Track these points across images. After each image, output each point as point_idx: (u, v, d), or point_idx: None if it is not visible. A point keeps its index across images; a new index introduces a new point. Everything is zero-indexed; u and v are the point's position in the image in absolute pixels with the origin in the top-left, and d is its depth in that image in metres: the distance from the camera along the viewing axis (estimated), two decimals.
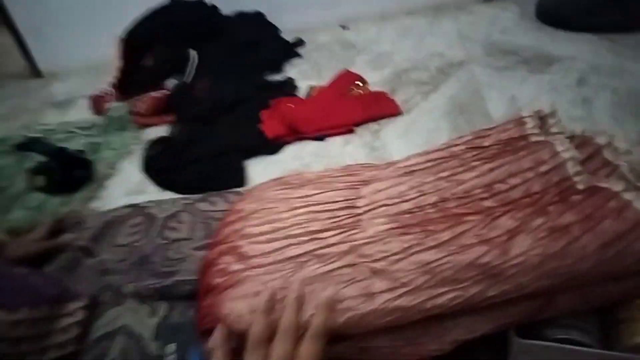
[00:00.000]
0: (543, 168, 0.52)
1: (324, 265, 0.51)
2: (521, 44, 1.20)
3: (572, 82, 0.99)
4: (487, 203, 0.53)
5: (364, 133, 0.96)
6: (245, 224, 0.60)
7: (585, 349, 0.42)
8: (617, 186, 0.47)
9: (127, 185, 0.95)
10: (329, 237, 0.55)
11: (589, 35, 1.16)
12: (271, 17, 1.47)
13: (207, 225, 0.77)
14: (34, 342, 0.57)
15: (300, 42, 1.45)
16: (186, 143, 0.98)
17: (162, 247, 0.74)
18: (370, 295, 0.47)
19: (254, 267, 0.53)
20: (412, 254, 0.49)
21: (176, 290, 0.65)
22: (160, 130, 1.11)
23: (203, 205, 0.82)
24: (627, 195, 0.46)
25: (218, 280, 0.54)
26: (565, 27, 1.21)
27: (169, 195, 0.88)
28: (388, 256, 0.50)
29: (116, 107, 1.18)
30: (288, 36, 1.46)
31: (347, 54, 1.35)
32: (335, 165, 0.87)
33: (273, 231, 0.57)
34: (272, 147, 0.95)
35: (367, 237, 0.52)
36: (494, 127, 0.61)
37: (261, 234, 0.57)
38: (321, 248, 0.53)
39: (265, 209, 0.62)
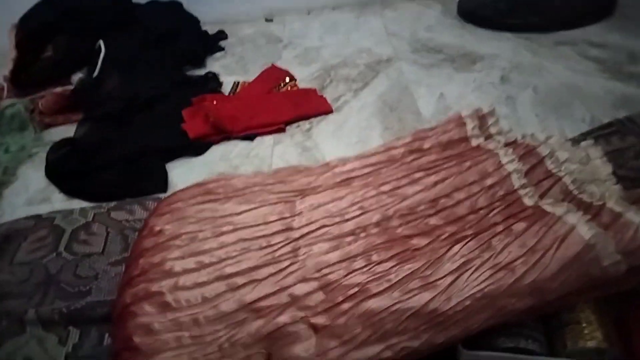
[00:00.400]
0: (488, 181, 0.53)
1: (266, 325, 0.45)
2: (446, 41, 1.22)
3: (496, 80, 1.02)
4: (433, 221, 0.52)
5: (295, 132, 0.92)
6: (166, 255, 0.52)
7: (532, 357, 0.42)
8: (559, 209, 0.48)
9: (28, 193, 0.85)
10: (266, 277, 0.49)
11: (509, 34, 1.20)
12: (189, 8, 1.39)
13: (124, 237, 0.70)
14: None
15: (222, 35, 1.39)
16: (97, 145, 0.89)
17: (71, 264, 0.67)
18: (321, 355, 0.43)
19: (181, 329, 0.46)
20: (357, 303, 0.45)
21: (89, 313, 0.59)
22: (66, 131, 1.00)
23: (119, 215, 0.75)
24: (570, 218, 0.46)
25: (139, 339, 0.45)
26: (485, 25, 1.25)
27: (78, 204, 0.79)
28: (331, 307, 0.46)
29: (12, 104, 1.05)
30: (209, 29, 1.39)
31: (273, 48, 1.30)
32: (266, 167, 0.83)
33: (200, 268, 0.51)
34: (196, 147, 0.89)
35: (308, 278, 0.48)
36: (433, 128, 0.60)
37: (185, 272, 0.50)
38: (259, 300, 0.47)
39: (187, 233, 0.55)
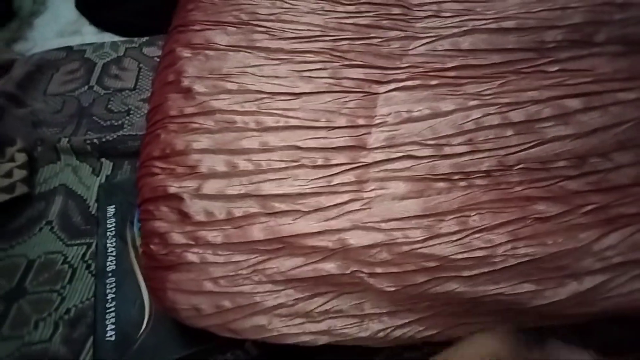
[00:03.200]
0: None
1: (304, 267, 0.35)
2: None
3: None
4: (573, 185, 0.38)
5: None
6: (192, 142, 0.40)
7: None
8: None
9: (59, 24, 0.84)
10: (313, 210, 0.37)
11: None
12: None
13: None
14: None
15: None
16: None
17: (103, 98, 0.67)
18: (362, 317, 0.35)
19: (202, 246, 0.37)
20: (435, 279, 0.35)
21: (120, 147, 0.60)
22: None
23: (151, 51, 0.73)
24: None
25: (155, 248, 0.37)
26: None
27: (109, 37, 0.78)
28: (397, 273, 0.35)
29: None
30: None
31: None
32: None
33: (232, 175, 0.39)
34: None
35: (369, 226, 0.36)
36: None
37: (212, 175, 0.39)
38: (300, 236, 0.36)
39: (224, 111, 0.41)
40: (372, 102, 0.41)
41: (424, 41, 0.43)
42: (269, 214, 0.37)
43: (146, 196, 0.40)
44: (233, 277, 0.36)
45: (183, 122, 0.41)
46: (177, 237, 0.37)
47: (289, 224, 0.37)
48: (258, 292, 0.35)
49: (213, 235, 0.37)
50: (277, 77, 0.43)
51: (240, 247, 0.37)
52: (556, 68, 0.41)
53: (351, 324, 0.35)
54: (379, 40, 0.44)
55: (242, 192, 0.38)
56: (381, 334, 0.35)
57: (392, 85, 0.42)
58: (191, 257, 0.36)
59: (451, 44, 0.43)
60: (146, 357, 0.38)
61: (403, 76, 0.42)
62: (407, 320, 0.35)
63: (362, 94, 0.42)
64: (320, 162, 0.39)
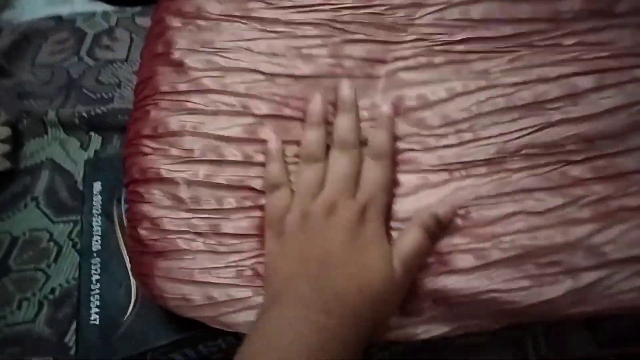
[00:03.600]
0: None
1: None
2: None
3: None
4: (575, 171, 0.35)
5: None
6: (185, 123, 0.37)
7: None
8: None
9: None
10: None
11: None
12: None
13: None
14: None
15: None
16: None
17: (93, 70, 0.64)
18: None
19: (196, 234, 0.35)
20: (429, 275, 0.34)
21: (110, 120, 0.58)
22: None
23: (144, 21, 0.70)
24: None
25: (145, 233, 0.35)
26: None
27: (100, 6, 0.74)
28: None
29: None
30: None
31: None
32: None
33: (228, 165, 0.36)
34: None
35: None
36: None
37: (210, 162, 0.36)
38: None
39: (213, 70, 0.39)
40: (374, 88, 0.39)
41: (432, 9, 0.40)
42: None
43: (135, 177, 0.37)
44: (226, 268, 0.34)
45: (176, 99, 0.39)
46: (170, 223, 0.35)
47: None
48: (253, 286, 0.34)
49: (207, 224, 0.35)
50: (274, 54, 0.39)
51: (235, 238, 0.35)
52: (573, 41, 0.38)
53: None
54: (383, 8, 0.40)
55: (238, 182, 0.36)
56: (382, 334, 0.33)
57: (396, 64, 0.39)
58: (183, 244, 0.35)
59: (461, 13, 0.39)
60: (133, 342, 0.36)
61: (407, 53, 0.39)
62: (409, 321, 0.33)
63: (364, 79, 0.39)
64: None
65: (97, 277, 0.39)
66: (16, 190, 0.54)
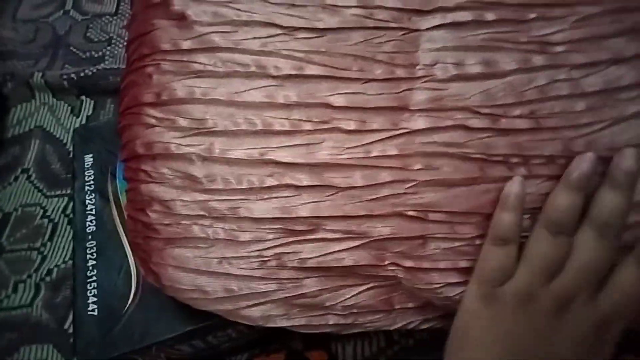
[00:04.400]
0: None
1: (332, 254, 0.30)
2: None
3: None
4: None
5: None
6: (194, 88, 0.32)
7: None
8: None
9: None
10: None
11: None
12: None
13: None
14: None
15: None
16: None
17: (81, 25, 0.59)
18: (391, 311, 0.32)
19: (214, 219, 0.31)
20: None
21: (102, 82, 0.53)
22: None
23: None
24: None
25: (155, 216, 0.31)
26: None
27: None
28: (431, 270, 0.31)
29: None
30: None
31: None
32: None
33: (248, 135, 0.31)
34: None
35: (415, 218, 0.31)
36: None
37: (225, 133, 0.31)
38: (331, 218, 0.31)
39: (221, 24, 0.32)
40: (413, 43, 0.32)
41: None
42: (294, 186, 0.30)
43: (138, 152, 0.32)
44: (248, 258, 0.30)
45: (180, 59, 0.33)
46: (184, 207, 0.31)
47: (316, 202, 0.30)
48: (276, 279, 0.30)
49: (225, 207, 0.30)
50: (293, 5, 0.33)
51: (256, 224, 0.30)
52: None
53: (378, 318, 0.30)
54: None
55: (260, 157, 0.31)
56: (408, 327, 0.31)
57: (438, 19, 0.32)
58: (199, 231, 0.30)
59: None
60: (135, 335, 0.33)
61: (452, 3, 0.33)
62: (435, 315, 0.31)
63: (400, 32, 0.32)
64: (353, 125, 0.31)
65: (93, 262, 0.36)
66: (5, 162, 0.50)
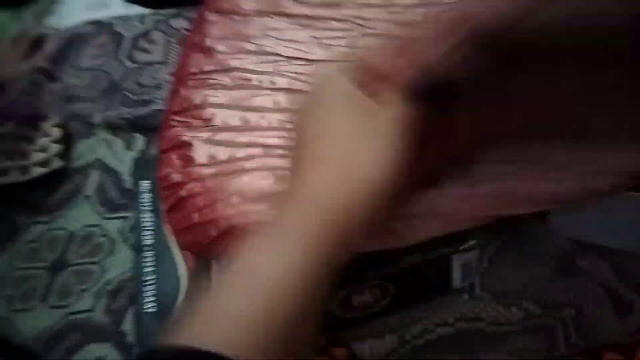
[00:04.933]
0: None
1: None
2: None
3: None
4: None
5: None
6: (208, 97, 0.42)
7: None
8: None
9: None
10: None
11: None
12: None
13: None
14: (14, 159, 0.57)
15: None
16: None
17: (133, 72, 0.68)
18: None
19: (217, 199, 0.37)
20: None
21: (152, 121, 0.61)
22: None
23: (178, 23, 0.73)
24: None
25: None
26: None
27: (137, 10, 0.78)
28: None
29: None
30: None
31: None
32: None
33: (245, 130, 0.40)
34: None
35: None
36: None
37: (227, 128, 0.40)
38: None
39: (240, 70, 0.43)
40: None
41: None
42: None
43: (162, 147, 0.41)
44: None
45: (202, 78, 0.43)
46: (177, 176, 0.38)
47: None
48: None
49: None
50: (296, 41, 0.44)
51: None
52: None
53: None
54: (401, 7, 0.44)
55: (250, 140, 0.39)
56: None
57: None
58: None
59: None
60: None
61: None
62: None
63: None
64: None
65: (151, 269, 0.43)
66: (70, 189, 0.59)
